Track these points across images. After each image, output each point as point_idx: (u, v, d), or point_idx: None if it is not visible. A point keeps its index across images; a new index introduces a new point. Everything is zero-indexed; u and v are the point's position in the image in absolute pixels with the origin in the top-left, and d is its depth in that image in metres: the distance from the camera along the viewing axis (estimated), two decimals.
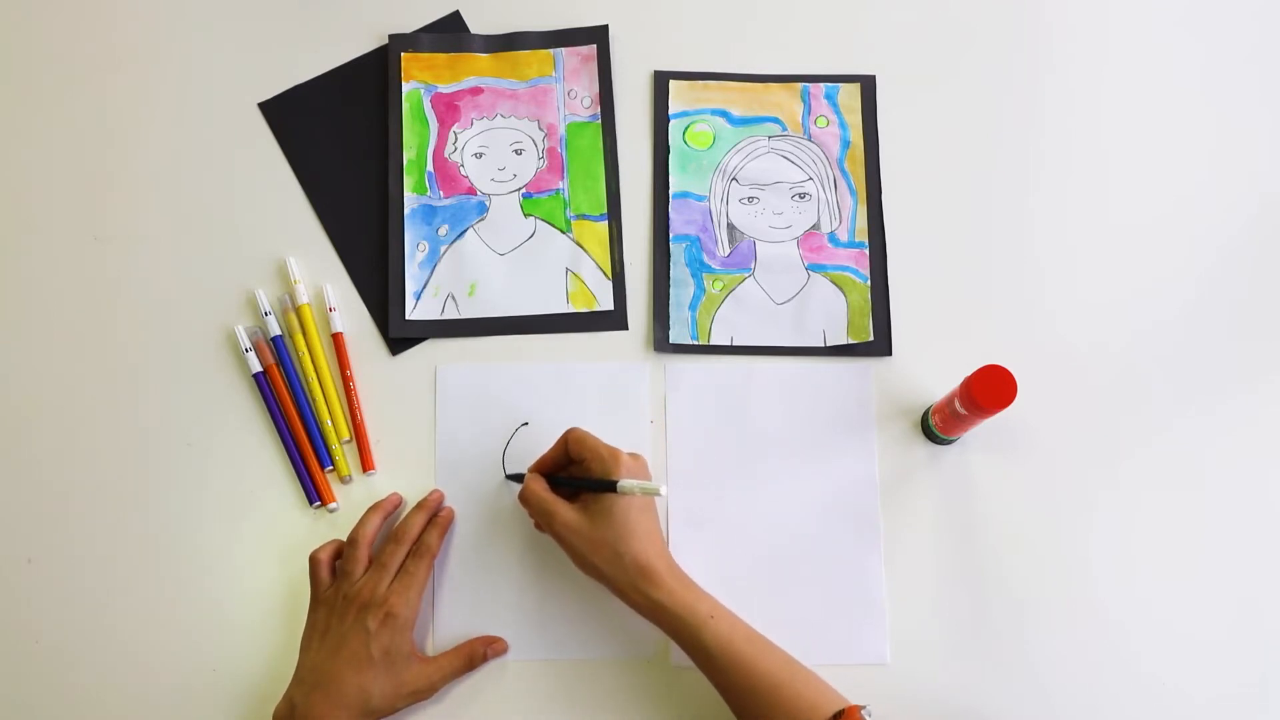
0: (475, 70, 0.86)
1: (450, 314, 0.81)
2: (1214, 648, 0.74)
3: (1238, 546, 0.76)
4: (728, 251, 0.82)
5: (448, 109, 0.85)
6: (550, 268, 0.82)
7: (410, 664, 0.70)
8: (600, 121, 0.85)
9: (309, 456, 0.77)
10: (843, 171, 0.83)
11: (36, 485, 0.77)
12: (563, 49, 0.86)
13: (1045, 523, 0.76)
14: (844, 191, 0.83)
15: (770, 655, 0.66)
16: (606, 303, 0.81)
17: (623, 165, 0.84)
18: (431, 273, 0.81)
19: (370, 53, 0.86)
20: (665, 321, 0.80)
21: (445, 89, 0.85)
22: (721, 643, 0.65)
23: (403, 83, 0.85)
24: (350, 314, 0.81)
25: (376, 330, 0.81)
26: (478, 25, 0.87)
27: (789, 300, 0.81)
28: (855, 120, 0.85)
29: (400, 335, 0.80)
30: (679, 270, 0.81)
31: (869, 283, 0.81)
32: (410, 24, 0.87)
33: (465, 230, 0.82)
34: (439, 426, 0.78)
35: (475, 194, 0.83)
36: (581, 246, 0.82)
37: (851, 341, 0.80)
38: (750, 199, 0.83)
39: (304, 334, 0.79)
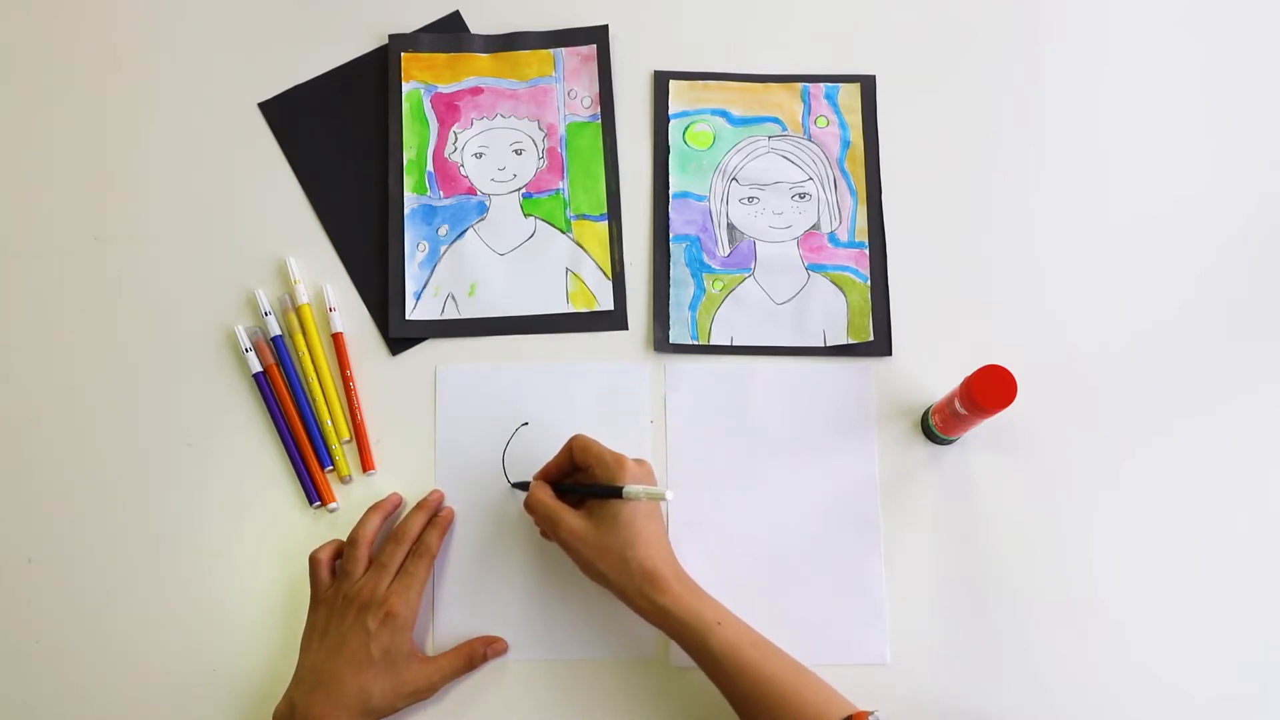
0: (475, 70, 0.86)
1: (450, 314, 0.81)
2: (1214, 648, 0.74)
3: (1238, 546, 0.76)
4: (728, 251, 0.82)
5: (448, 109, 0.85)
6: (550, 268, 0.82)
7: (410, 664, 0.70)
8: (600, 121, 0.85)
9: (309, 456, 0.77)
10: (843, 171, 0.83)
11: (36, 485, 0.77)
12: (563, 49, 0.86)
13: (1045, 523, 0.76)
14: (844, 191, 0.83)
15: (777, 661, 0.65)
16: (606, 303, 0.81)
17: (623, 165, 0.84)
18: (431, 273, 0.81)
19: (370, 53, 0.86)
20: (665, 321, 0.80)
21: (445, 89, 0.85)
22: (728, 649, 0.65)
23: (403, 83, 0.85)
24: (350, 314, 0.81)
25: (376, 330, 0.81)
26: (478, 25, 0.87)
27: (789, 300, 0.81)
28: (855, 120, 0.85)
29: (400, 335, 0.80)
30: (679, 270, 0.81)
31: (869, 283, 0.81)
32: (410, 24, 0.87)
33: (465, 230, 0.82)
34: (439, 426, 0.78)
35: (475, 194, 0.83)
36: (581, 246, 0.82)
37: (851, 341, 0.80)
38: (750, 199, 0.83)
39: (304, 334, 0.80)
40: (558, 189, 0.83)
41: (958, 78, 0.86)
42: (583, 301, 0.81)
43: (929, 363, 0.79)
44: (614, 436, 0.73)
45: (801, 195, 0.83)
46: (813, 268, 0.82)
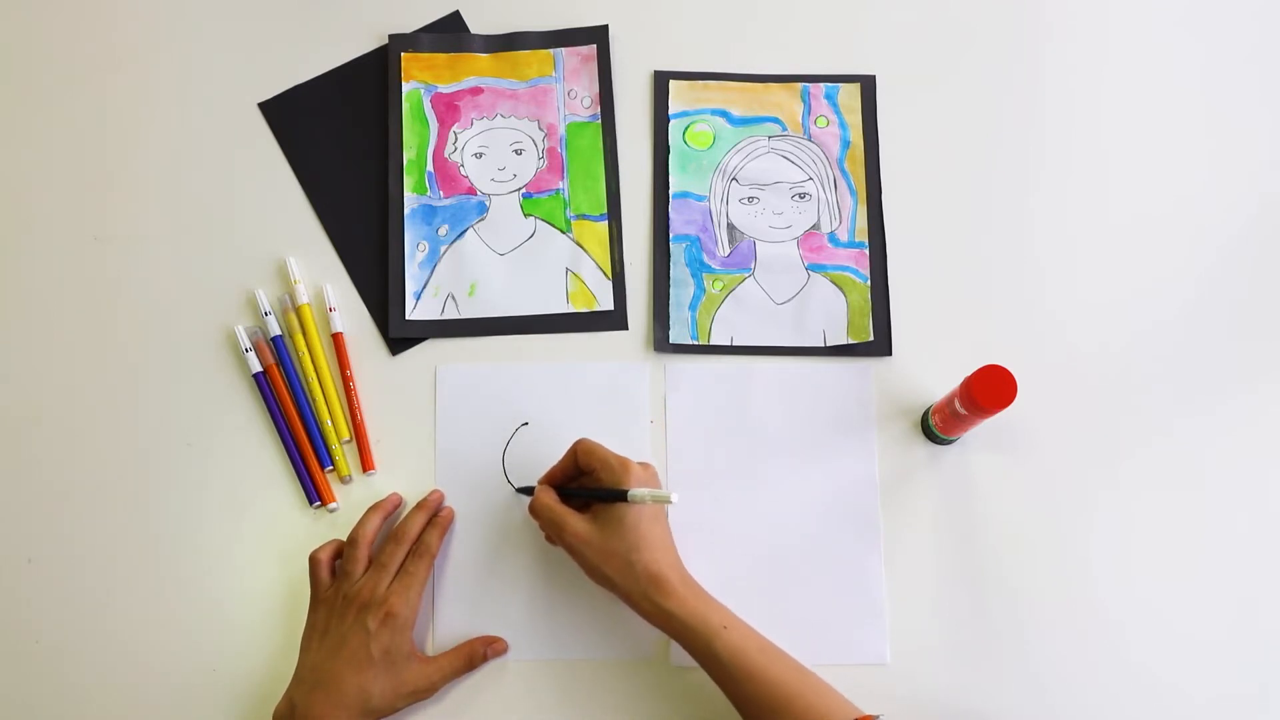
0: (475, 70, 0.86)
1: (450, 314, 0.81)
2: (1214, 648, 0.74)
3: (1238, 546, 0.76)
4: (728, 251, 0.82)
5: (448, 109, 0.85)
6: (550, 268, 0.82)
7: (410, 664, 0.70)
8: (600, 121, 0.85)
9: (309, 456, 0.77)
10: (843, 171, 0.83)
11: (36, 485, 0.77)
12: (563, 49, 0.86)
13: (1045, 523, 0.76)
14: (844, 191, 0.83)
15: (783, 666, 0.65)
16: (606, 303, 0.81)
17: (623, 165, 0.84)
18: (431, 273, 0.81)
19: (370, 53, 0.86)
20: (665, 321, 0.80)
21: (445, 89, 0.85)
22: (734, 654, 0.64)
23: (403, 83, 0.85)
24: (350, 314, 0.81)
25: (376, 330, 0.81)
26: (478, 25, 0.87)
27: (789, 300, 0.81)
28: (855, 120, 0.85)
29: (400, 335, 0.80)
30: (679, 270, 0.81)
31: (869, 283, 0.81)
32: (410, 24, 0.87)
33: (465, 230, 0.82)
34: (439, 426, 0.78)
35: (475, 194, 0.83)
36: (581, 246, 0.82)
37: (851, 341, 0.80)
38: (750, 199, 0.83)
39: (304, 334, 0.80)
40: (558, 189, 0.83)
41: (958, 78, 0.86)
42: (583, 301, 0.81)
43: (929, 363, 0.79)
44: (614, 437, 0.73)
45: (801, 195, 0.83)
46: (813, 268, 0.82)
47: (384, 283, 0.81)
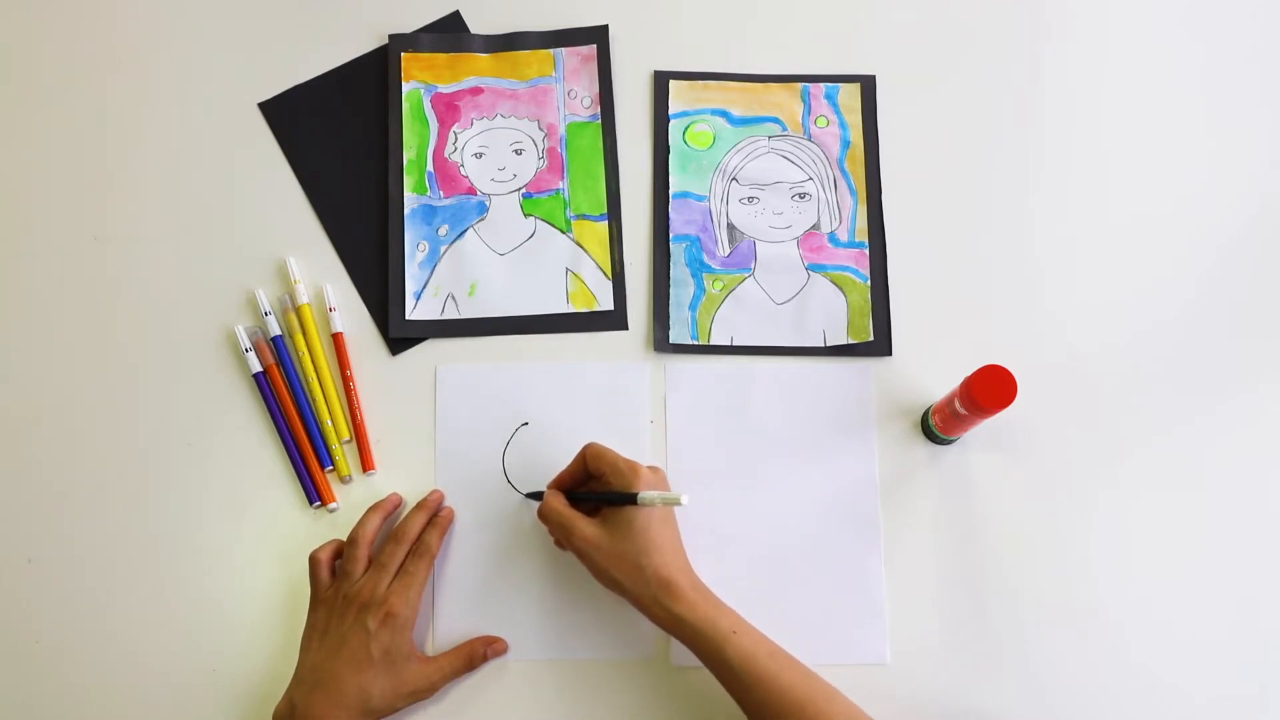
0: (475, 70, 0.86)
1: (450, 314, 0.81)
2: (1214, 648, 0.74)
3: (1238, 546, 0.76)
4: (728, 251, 0.82)
5: (448, 109, 0.85)
6: (550, 268, 0.82)
7: (410, 664, 0.70)
8: (600, 121, 0.85)
9: (309, 456, 0.77)
10: (843, 171, 0.83)
11: (36, 485, 0.77)
12: (563, 49, 0.86)
13: (1045, 523, 0.76)
14: (844, 191, 0.83)
15: (793, 671, 0.65)
16: (606, 303, 0.81)
17: (623, 165, 0.84)
18: (431, 273, 0.81)
19: (370, 53, 0.86)
20: (665, 321, 0.80)
21: (445, 89, 0.85)
22: (744, 658, 0.64)
23: (403, 83, 0.85)
24: (350, 314, 0.81)
25: (376, 330, 0.81)
26: (478, 25, 0.87)
27: (789, 300, 0.81)
28: (855, 120, 0.85)
29: (400, 335, 0.80)
30: (679, 270, 0.81)
31: (869, 283, 0.81)
32: (410, 24, 0.87)
33: (465, 230, 0.82)
34: (439, 426, 0.78)
35: (475, 194, 0.83)
36: (581, 246, 0.82)
37: (851, 341, 0.80)
38: (750, 199, 0.83)
39: (304, 334, 0.80)
40: (558, 189, 0.83)
41: (958, 78, 0.86)
42: (583, 301, 0.81)
43: (929, 363, 0.79)
44: (614, 437, 0.73)
45: (801, 195, 0.83)
46: (813, 268, 0.82)
47: (384, 283, 0.81)
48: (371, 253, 0.82)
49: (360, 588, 0.70)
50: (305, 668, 0.70)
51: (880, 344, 0.80)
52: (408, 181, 0.83)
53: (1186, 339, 0.80)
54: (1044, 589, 0.75)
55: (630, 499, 0.67)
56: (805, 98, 0.85)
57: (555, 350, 0.80)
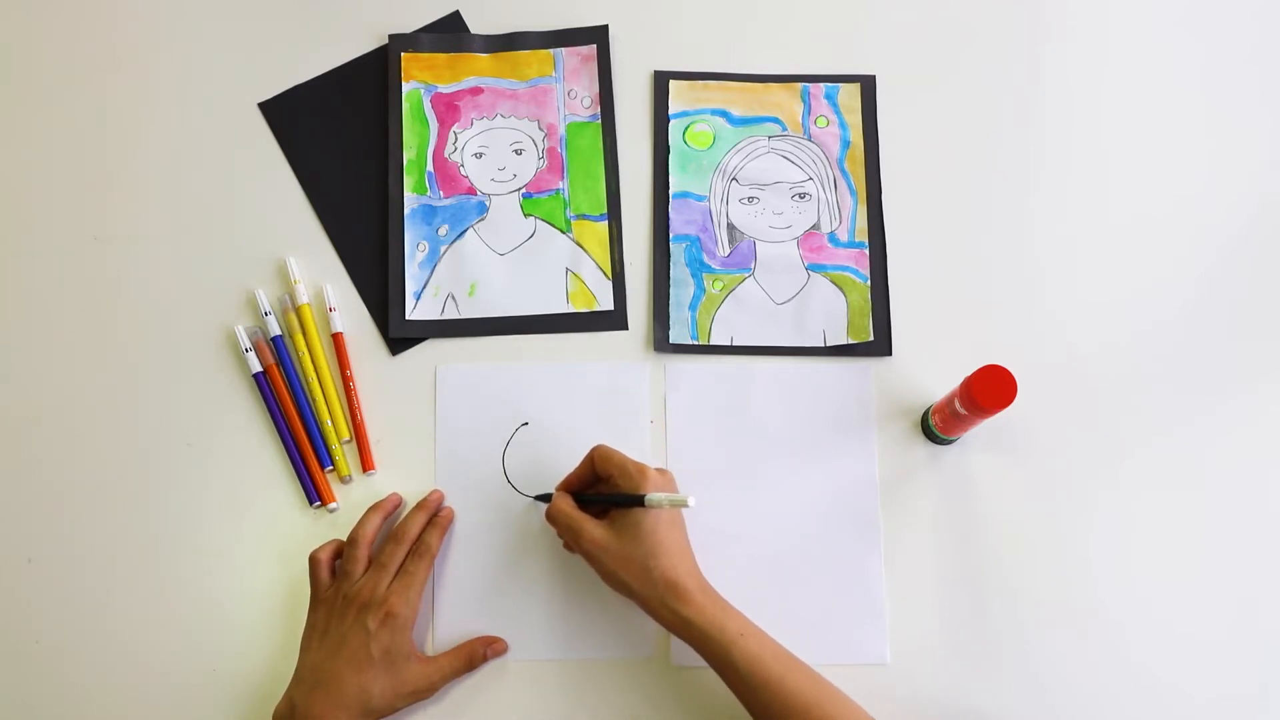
0: (475, 70, 0.86)
1: (450, 314, 0.81)
2: (1214, 648, 0.74)
3: (1238, 546, 0.76)
4: (728, 251, 0.82)
5: (448, 109, 0.85)
6: (550, 268, 0.82)
7: (410, 664, 0.70)
8: (600, 121, 0.85)
9: (309, 456, 0.77)
10: (843, 171, 0.83)
11: (36, 485, 0.77)
12: (563, 49, 0.86)
13: (1045, 523, 0.76)
14: (844, 191, 0.83)
15: (800, 675, 0.65)
16: (606, 303, 0.81)
17: (623, 165, 0.84)
18: (431, 273, 0.81)
19: (370, 53, 0.86)
20: (665, 321, 0.80)
21: (445, 89, 0.85)
22: (751, 662, 0.64)
23: (403, 83, 0.85)
24: (350, 314, 0.81)
25: (376, 330, 0.81)
26: (478, 25, 0.87)
27: (789, 300, 0.81)
28: (855, 120, 0.85)
29: (400, 335, 0.80)
30: (679, 270, 0.81)
31: (869, 283, 0.81)
32: (410, 24, 0.87)
33: (465, 230, 0.82)
34: (439, 426, 0.78)
35: (475, 194, 0.83)
36: (581, 246, 0.82)
37: (851, 341, 0.80)
38: (750, 199, 0.83)
39: (304, 334, 0.80)
40: (558, 189, 0.83)
41: (958, 78, 0.86)
42: (583, 301, 0.81)
43: (929, 363, 0.79)
44: (614, 437, 0.73)
45: (801, 195, 0.83)
46: (813, 268, 0.82)
47: (384, 283, 0.81)
48: (371, 253, 0.82)
49: (360, 588, 0.70)
50: (305, 668, 0.70)
51: (880, 344, 0.80)
52: (408, 181, 0.83)
53: (1186, 339, 0.80)
54: (1044, 589, 0.75)
55: (638, 501, 0.67)
56: (805, 98, 0.85)
57: (555, 350, 0.80)
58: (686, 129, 0.85)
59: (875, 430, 0.78)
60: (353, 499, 0.77)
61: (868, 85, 0.85)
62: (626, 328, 0.81)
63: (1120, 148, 0.84)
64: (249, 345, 0.79)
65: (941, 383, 0.74)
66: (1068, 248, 0.82)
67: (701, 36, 0.87)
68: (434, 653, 0.73)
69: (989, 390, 0.66)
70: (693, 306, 0.81)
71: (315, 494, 0.77)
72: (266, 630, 0.74)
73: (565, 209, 0.83)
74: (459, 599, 0.75)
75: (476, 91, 0.85)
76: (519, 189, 0.83)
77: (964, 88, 0.86)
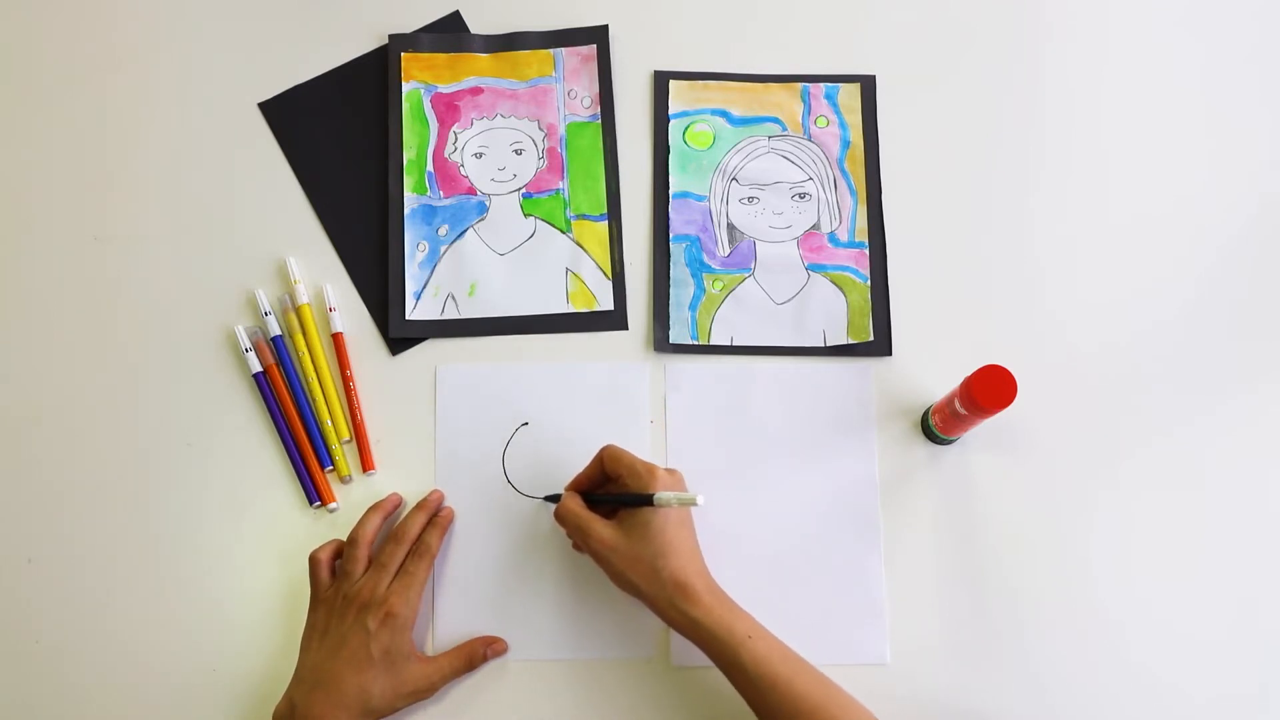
0: (475, 70, 0.86)
1: (450, 314, 0.81)
2: (1214, 648, 0.74)
3: (1238, 546, 0.76)
4: (728, 251, 0.82)
5: (448, 109, 0.85)
6: (550, 268, 0.82)
7: (410, 664, 0.70)
8: (600, 121, 0.85)
9: (309, 456, 0.77)
10: (843, 171, 0.83)
11: (36, 485, 0.77)
12: (563, 49, 0.86)
13: (1045, 523, 0.76)
14: (844, 191, 0.83)
15: (807, 677, 0.65)
16: (606, 303, 0.81)
17: (623, 165, 0.84)
18: (431, 273, 0.81)
19: (370, 53, 0.86)
20: (665, 321, 0.80)
21: (445, 89, 0.85)
22: (759, 663, 0.64)
23: (403, 83, 0.85)
24: (350, 314, 0.81)
25: (376, 330, 0.81)
26: (478, 25, 0.87)
27: (789, 300, 0.81)
28: (855, 120, 0.85)
29: (400, 335, 0.80)
30: (679, 270, 0.81)
31: (869, 283, 0.81)
32: (410, 24, 0.87)
33: (465, 230, 0.82)
34: (439, 426, 0.78)
35: (475, 194, 0.83)
36: (581, 246, 0.82)
37: (851, 341, 0.80)
38: (750, 199, 0.83)
39: (304, 334, 0.80)
40: (558, 189, 0.83)
41: (958, 78, 0.86)
42: (583, 301, 0.81)
43: (929, 363, 0.79)
44: (614, 437, 0.73)
45: (801, 195, 0.83)
46: (813, 268, 0.82)
47: (384, 283, 0.81)
48: (371, 253, 0.82)
49: (360, 588, 0.70)
50: (305, 668, 0.70)
51: (880, 344, 0.80)
52: (408, 181, 0.83)
53: (1186, 339, 0.80)
54: (1044, 589, 0.75)
55: (646, 500, 0.67)
56: (805, 98, 0.85)
57: (555, 350, 0.80)
58: (686, 129, 0.85)
59: (875, 430, 0.78)
60: (353, 499, 0.77)
61: (868, 85, 0.85)
62: (626, 328, 0.81)
63: (1120, 148, 0.84)
64: (249, 345, 0.79)
65: (941, 383, 0.74)
66: (1068, 248, 0.82)
67: (701, 36, 0.87)
68: (434, 653, 0.73)
69: (989, 390, 0.66)
70: (693, 306, 0.81)
71: (315, 494, 0.77)
72: (266, 630, 0.74)
73: (565, 209, 0.83)
74: (459, 599, 0.75)
75: (476, 91, 0.85)
76: (519, 189, 0.83)
77: (964, 88, 0.86)
